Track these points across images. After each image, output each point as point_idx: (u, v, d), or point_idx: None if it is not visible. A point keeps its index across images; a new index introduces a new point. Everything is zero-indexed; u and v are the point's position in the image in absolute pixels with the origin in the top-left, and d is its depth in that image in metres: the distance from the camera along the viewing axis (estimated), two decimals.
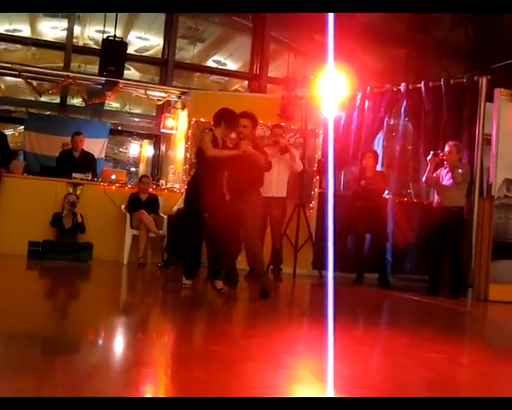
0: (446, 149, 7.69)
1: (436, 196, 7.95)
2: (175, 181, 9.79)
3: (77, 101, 13.11)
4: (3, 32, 13.00)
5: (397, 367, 3.80)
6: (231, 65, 15.19)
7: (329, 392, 3.06)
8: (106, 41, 10.72)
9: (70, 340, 3.82)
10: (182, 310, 5.46)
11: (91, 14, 13.27)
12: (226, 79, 15.18)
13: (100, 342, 4.01)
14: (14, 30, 13.52)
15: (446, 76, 8.74)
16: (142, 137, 14.15)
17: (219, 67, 15.02)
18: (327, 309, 4.12)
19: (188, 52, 14.65)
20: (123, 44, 10.91)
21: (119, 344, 4.03)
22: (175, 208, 8.73)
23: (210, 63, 15.11)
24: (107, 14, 12.18)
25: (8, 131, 12.78)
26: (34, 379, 2.77)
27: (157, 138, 12.79)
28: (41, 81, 11.56)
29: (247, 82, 13.99)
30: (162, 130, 11.46)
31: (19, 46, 13.89)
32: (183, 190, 8.87)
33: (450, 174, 7.65)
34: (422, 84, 8.66)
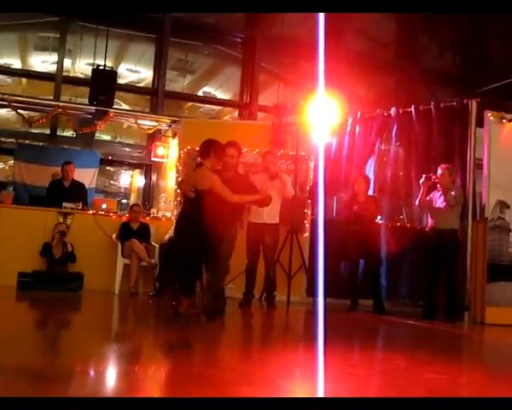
0: (439, 171, 7.70)
1: (429, 220, 7.93)
2: (166, 209, 9.72)
3: (67, 133, 13.09)
4: None
5: (395, 387, 3.71)
6: (221, 96, 15.25)
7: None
8: (96, 70, 10.74)
9: (61, 371, 3.69)
10: (175, 338, 5.34)
11: (82, 48, 13.34)
12: (216, 110, 15.21)
13: (92, 371, 3.89)
14: (5, 64, 13.55)
15: (436, 101, 8.76)
16: (132, 166, 14.13)
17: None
18: (321, 334, 4.08)
19: (178, 84, 14.69)
20: (113, 74, 10.95)
21: (111, 372, 3.91)
22: (166, 237, 8.65)
23: (200, 95, 15.17)
24: (98, 46, 12.26)
25: None
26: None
27: (148, 168, 12.77)
28: (31, 111, 11.54)
29: (237, 113, 14.04)
30: (153, 158, 11.43)
31: (9, 80, 13.93)
32: (173, 219, 8.81)
33: (443, 197, 7.64)
34: (413, 108, 8.69)
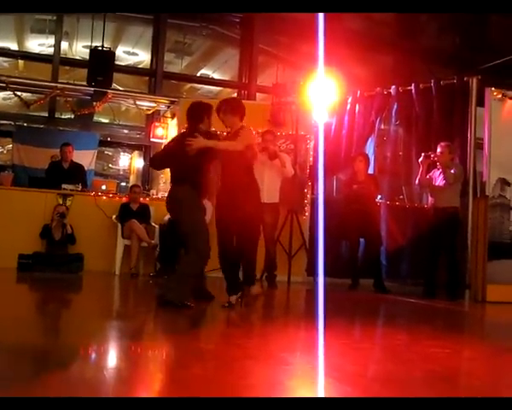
0: (438, 149, 7.67)
1: (430, 198, 7.92)
2: (165, 190, 9.67)
3: (65, 115, 13.02)
4: None
5: (400, 361, 3.72)
6: (219, 78, 15.17)
7: (333, 385, 2.97)
8: (94, 51, 10.66)
9: (62, 351, 3.67)
10: (176, 316, 5.33)
11: (79, 30, 13.24)
12: (215, 92, 15.14)
13: (93, 350, 3.88)
14: (2, 48, 13.45)
15: (436, 79, 8.70)
16: (131, 148, 14.09)
17: None
18: (323, 312, 4.08)
19: (176, 66, 14.61)
20: (111, 54, 10.86)
21: (112, 351, 3.91)
22: (166, 217, 8.62)
23: (198, 76, 15.09)
24: (95, 28, 12.16)
25: None
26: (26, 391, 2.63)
27: (147, 149, 12.70)
28: (29, 93, 11.47)
29: (236, 94, 13.96)
30: (152, 139, 11.37)
31: (6, 64, 13.83)
32: None
33: (442, 175, 7.61)
34: (413, 87, 8.63)
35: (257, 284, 5.98)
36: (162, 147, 6.05)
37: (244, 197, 5.57)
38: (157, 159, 6.62)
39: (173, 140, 6.33)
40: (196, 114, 5.87)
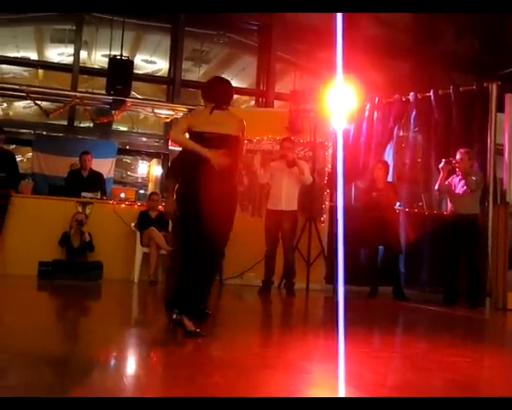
0: (458, 156, 7.62)
1: (449, 205, 7.86)
2: None
3: (84, 123, 13.14)
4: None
5: (419, 370, 3.69)
6: (237, 86, 15.20)
7: (353, 393, 2.95)
8: (112, 60, 10.75)
9: (80, 357, 3.69)
10: (194, 325, 5.33)
11: (97, 39, 13.36)
12: (232, 99, 15.15)
13: (112, 357, 3.90)
14: (22, 57, 13.62)
15: (455, 85, 8.66)
16: (150, 156, 14.17)
17: None
18: (342, 320, 4.05)
19: (194, 74, 14.69)
20: (129, 63, 10.95)
21: (135, 355, 3.92)
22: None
23: None
24: (113, 37, 12.27)
25: (17, 158, 12.82)
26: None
27: (165, 157, 12.76)
28: (49, 102, 11.59)
29: (253, 102, 14.00)
30: (170, 147, 11.42)
31: (26, 73, 14.00)
32: None
33: (463, 182, 7.56)
34: (431, 93, 8.59)
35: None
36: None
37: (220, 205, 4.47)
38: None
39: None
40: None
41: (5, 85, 12.01)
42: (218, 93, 4.87)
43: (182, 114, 11.30)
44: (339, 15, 3.39)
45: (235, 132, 4.70)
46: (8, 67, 13.94)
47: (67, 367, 3.32)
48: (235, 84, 15.09)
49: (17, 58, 13.44)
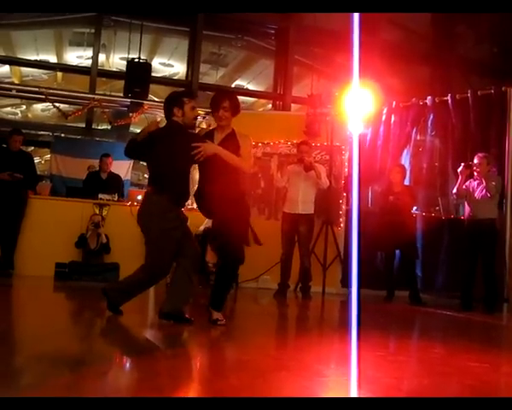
0: (476, 160, 7.56)
1: (467, 209, 7.80)
2: None
3: (102, 126, 13.23)
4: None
5: (436, 374, 3.65)
6: (254, 89, 15.24)
7: (369, 397, 2.94)
8: (130, 63, 10.82)
9: (100, 359, 3.70)
10: (210, 327, 5.34)
11: (116, 42, 13.46)
12: (249, 103, 15.20)
13: (130, 356, 3.92)
14: (41, 60, 13.74)
15: (473, 89, 8.60)
16: None
17: None
18: (358, 323, 4.04)
19: (211, 77, 14.74)
20: (147, 66, 11.02)
21: (150, 357, 3.92)
22: (202, 227, 8.66)
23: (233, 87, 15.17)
24: (132, 40, 12.35)
25: (35, 160, 12.93)
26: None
27: None
28: (67, 104, 11.69)
29: (270, 105, 14.01)
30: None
31: (45, 76, 14.12)
32: None
33: (481, 186, 7.50)
34: (449, 97, 8.55)
35: (222, 312, 4.96)
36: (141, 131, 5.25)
37: (230, 214, 4.76)
38: (133, 146, 5.23)
39: (165, 132, 5.06)
40: (165, 109, 5.10)
41: (25, 88, 12.17)
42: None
43: (199, 117, 11.33)
44: (356, 19, 3.39)
45: None
46: (28, 69, 14.10)
47: (85, 368, 3.33)
48: (252, 87, 15.22)
49: (36, 61, 13.56)
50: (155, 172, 5.04)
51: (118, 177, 9.67)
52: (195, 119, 5.33)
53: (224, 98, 4.95)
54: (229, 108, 4.90)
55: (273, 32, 13.71)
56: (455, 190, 7.82)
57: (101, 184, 9.23)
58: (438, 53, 13.45)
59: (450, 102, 8.57)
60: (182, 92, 5.35)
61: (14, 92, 11.74)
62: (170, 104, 5.04)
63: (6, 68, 13.73)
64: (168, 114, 5.04)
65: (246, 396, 2.73)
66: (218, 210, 4.87)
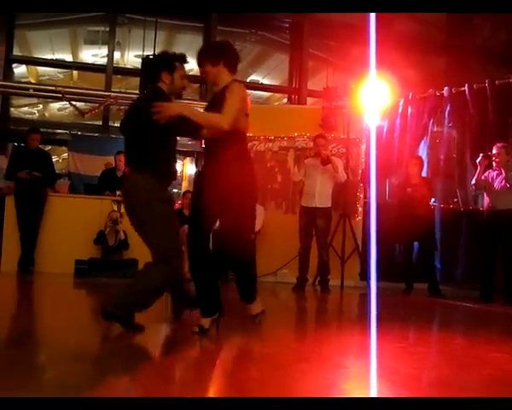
0: (495, 151, 7.49)
1: (486, 199, 7.74)
2: None
3: (119, 123, 13.27)
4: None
5: (457, 365, 3.64)
6: (269, 83, 15.22)
7: (389, 388, 2.94)
8: (146, 59, 10.83)
9: (121, 356, 3.71)
10: (229, 320, 5.36)
11: (130, 40, 13.50)
12: (264, 97, 15.19)
13: (150, 351, 3.95)
14: (57, 59, 13.83)
15: (490, 79, 8.53)
16: (183, 154, 14.22)
17: None
18: (377, 316, 4.04)
19: None
20: None
21: (171, 352, 3.94)
22: (218, 223, 8.66)
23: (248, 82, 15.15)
24: (146, 38, 12.39)
25: (53, 158, 13.03)
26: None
27: (199, 155, 12.81)
28: (84, 102, 11.76)
29: (286, 99, 13.99)
30: (203, 146, 11.44)
31: (61, 75, 14.21)
32: None
33: (500, 177, 7.44)
34: (466, 87, 8.49)
35: (258, 301, 4.71)
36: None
37: (233, 190, 4.08)
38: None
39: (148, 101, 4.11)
40: (150, 72, 4.41)
41: (42, 87, 12.25)
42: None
43: None
44: (371, 12, 3.38)
45: None
46: (44, 69, 14.20)
47: (106, 365, 3.36)
48: (267, 81, 15.19)
49: (52, 60, 13.65)
50: (132, 149, 4.24)
51: None
52: (184, 89, 4.49)
53: (198, 57, 4.40)
54: (206, 63, 4.33)
55: (287, 26, 13.67)
56: (473, 181, 7.76)
57: (117, 182, 9.25)
58: (454, 43, 13.35)
59: (467, 92, 8.51)
60: (173, 54, 4.43)
61: (31, 92, 11.81)
62: (158, 66, 4.29)
63: (23, 68, 13.83)
64: (152, 78, 4.29)
65: (260, 396, 2.74)
66: (218, 213, 4.36)
